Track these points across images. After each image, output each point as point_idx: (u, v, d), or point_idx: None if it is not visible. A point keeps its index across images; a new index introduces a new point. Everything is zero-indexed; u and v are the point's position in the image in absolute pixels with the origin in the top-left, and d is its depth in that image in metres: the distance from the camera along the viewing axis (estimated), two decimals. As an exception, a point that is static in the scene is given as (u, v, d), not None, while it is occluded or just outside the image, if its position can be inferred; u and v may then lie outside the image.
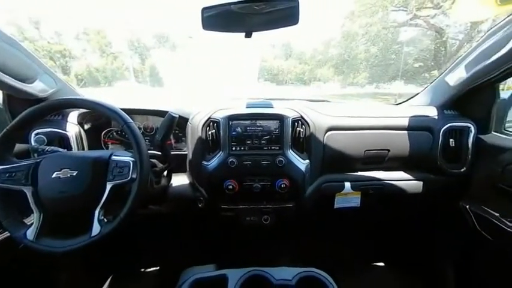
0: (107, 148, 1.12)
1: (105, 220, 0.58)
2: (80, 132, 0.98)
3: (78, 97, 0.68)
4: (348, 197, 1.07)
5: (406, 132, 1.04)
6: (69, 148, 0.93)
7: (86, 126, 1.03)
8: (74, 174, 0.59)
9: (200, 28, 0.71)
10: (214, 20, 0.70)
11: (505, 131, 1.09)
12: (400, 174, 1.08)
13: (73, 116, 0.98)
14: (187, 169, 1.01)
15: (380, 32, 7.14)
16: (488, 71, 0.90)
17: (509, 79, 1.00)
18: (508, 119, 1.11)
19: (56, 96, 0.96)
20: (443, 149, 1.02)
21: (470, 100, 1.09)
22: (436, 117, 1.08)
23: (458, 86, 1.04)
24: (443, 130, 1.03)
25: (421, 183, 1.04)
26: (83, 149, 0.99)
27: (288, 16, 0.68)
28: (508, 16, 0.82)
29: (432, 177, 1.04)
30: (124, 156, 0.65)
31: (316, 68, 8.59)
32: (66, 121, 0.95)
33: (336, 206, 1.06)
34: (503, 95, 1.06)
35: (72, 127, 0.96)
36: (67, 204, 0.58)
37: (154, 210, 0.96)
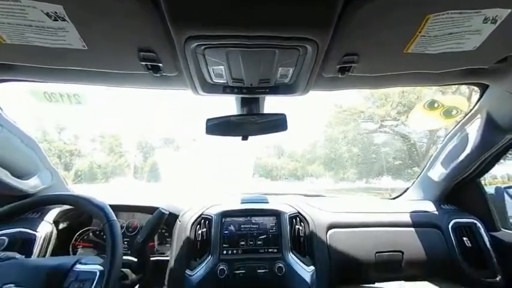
0: (75, 253, 0.96)
1: None
2: (51, 232, 0.88)
3: (65, 193, 0.66)
4: None
5: (413, 229, 0.99)
6: (30, 253, 0.80)
7: (61, 226, 0.95)
8: None
9: (203, 133, 0.83)
10: (216, 127, 0.83)
11: (515, 227, 1.07)
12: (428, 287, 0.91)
13: (51, 213, 0.92)
14: (166, 281, 0.83)
15: (356, 136, 8.49)
16: (463, 168, 1.01)
17: (486, 174, 1.09)
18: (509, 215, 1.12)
19: (46, 192, 0.94)
20: (461, 250, 0.95)
21: (461, 194, 1.13)
22: (436, 212, 1.09)
23: (443, 182, 1.11)
24: (451, 227, 1.00)
25: None
26: (46, 253, 0.85)
27: (278, 125, 0.82)
28: (456, 125, 1.02)
29: None
30: (91, 264, 0.54)
31: (307, 165, 9.32)
32: (42, 219, 0.88)
33: None
34: (488, 189, 1.13)
35: (45, 227, 0.87)
36: None
37: None
